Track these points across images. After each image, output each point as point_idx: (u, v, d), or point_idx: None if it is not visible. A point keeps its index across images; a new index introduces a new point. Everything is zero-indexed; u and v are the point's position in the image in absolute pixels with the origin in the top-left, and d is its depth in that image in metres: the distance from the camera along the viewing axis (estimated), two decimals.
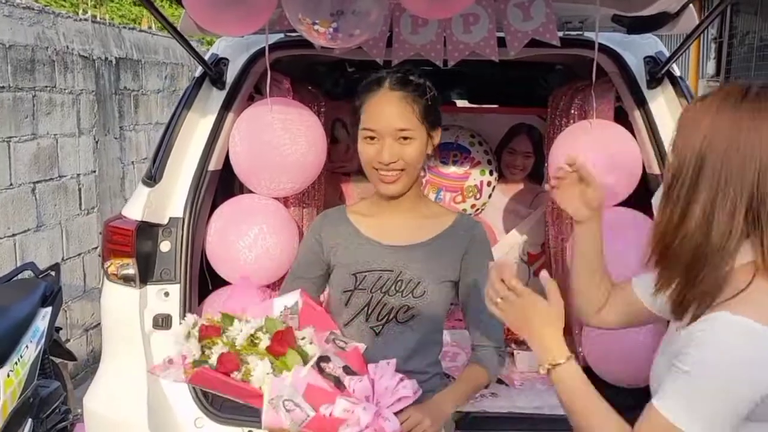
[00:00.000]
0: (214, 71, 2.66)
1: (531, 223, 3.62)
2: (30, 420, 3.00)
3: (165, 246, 2.52)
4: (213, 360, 1.63)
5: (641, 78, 2.61)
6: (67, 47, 4.71)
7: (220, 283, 2.70)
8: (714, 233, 1.23)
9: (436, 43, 2.43)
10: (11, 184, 4.14)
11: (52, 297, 3.34)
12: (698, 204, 1.24)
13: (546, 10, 2.36)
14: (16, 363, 2.90)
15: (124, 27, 5.77)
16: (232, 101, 2.67)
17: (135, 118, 5.76)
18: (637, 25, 2.56)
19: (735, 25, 7.92)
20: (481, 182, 3.57)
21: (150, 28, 6.36)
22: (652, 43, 2.71)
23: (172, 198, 2.57)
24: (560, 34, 2.42)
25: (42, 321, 3.21)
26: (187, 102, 2.65)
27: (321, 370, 1.62)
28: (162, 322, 2.48)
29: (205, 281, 2.68)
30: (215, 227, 2.63)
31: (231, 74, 2.69)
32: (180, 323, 2.41)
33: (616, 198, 2.65)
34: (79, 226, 4.89)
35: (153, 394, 2.47)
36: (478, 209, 3.63)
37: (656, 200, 1.40)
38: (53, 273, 3.49)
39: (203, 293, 2.66)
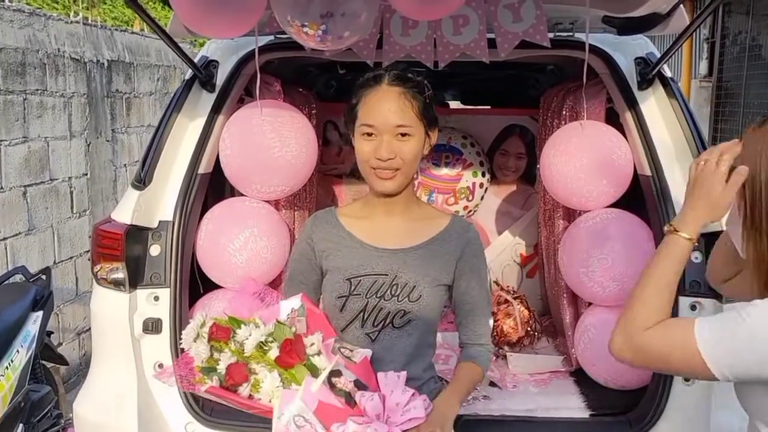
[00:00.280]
0: (203, 74, 2.64)
1: (523, 225, 3.62)
2: (21, 425, 2.98)
3: (155, 250, 2.51)
4: (221, 367, 1.64)
5: (632, 79, 2.61)
6: (59, 50, 4.68)
7: (211, 286, 2.68)
8: None
9: (426, 45, 2.42)
10: (2, 188, 4.12)
11: (43, 301, 3.32)
12: None
13: (536, 11, 2.35)
14: (6, 367, 2.88)
15: (116, 29, 5.75)
16: (222, 104, 2.66)
17: (127, 120, 5.74)
18: (628, 26, 2.56)
19: (727, 25, 7.93)
20: (474, 184, 3.57)
21: (142, 30, 6.34)
22: (642, 44, 2.70)
23: (161, 201, 2.55)
24: (551, 35, 2.41)
25: (33, 325, 3.19)
26: (176, 105, 2.64)
27: (332, 386, 1.61)
28: (152, 326, 2.47)
29: (196, 285, 2.66)
30: (206, 230, 2.62)
31: (221, 77, 2.68)
32: (170, 327, 2.45)
33: (607, 199, 2.65)
34: (71, 229, 4.87)
35: (143, 399, 2.45)
36: (470, 211, 3.62)
37: (727, 224, 1.52)
38: (44, 277, 3.48)
39: (194, 297, 2.64)
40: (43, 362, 3.48)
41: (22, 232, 4.32)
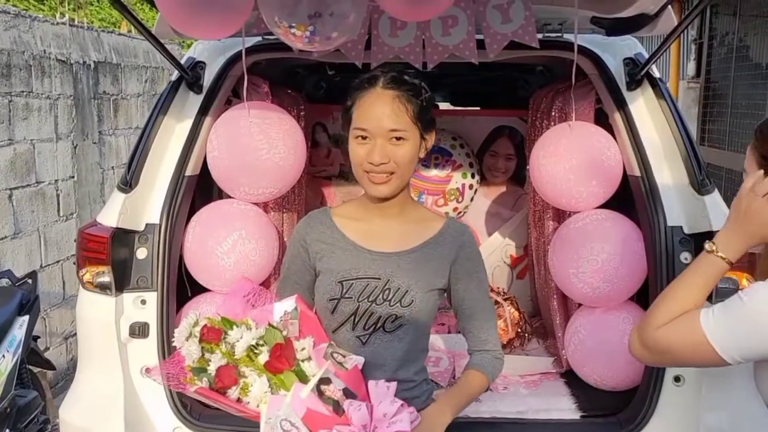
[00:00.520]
0: (190, 75, 2.62)
1: (513, 226, 3.61)
2: (8, 430, 2.95)
3: (141, 253, 2.48)
4: (212, 368, 1.63)
5: (621, 80, 2.60)
6: (44, 51, 4.65)
7: (199, 290, 2.66)
8: None
9: (415, 46, 2.41)
10: None
11: (29, 305, 3.30)
12: None
13: (525, 12, 2.35)
14: None
15: (103, 30, 5.72)
16: (210, 105, 2.64)
17: (114, 122, 5.70)
18: (616, 27, 2.55)
19: (714, 26, 7.96)
20: (463, 185, 3.56)
21: (129, 31, 6.30)
22: (631, 45, 2.70)
23: (148, 204, 2.53)
24: (539, 36, 2.41)
25: (19, 330, 3.16)
26: (163, 106, 2.61)
27: (321, 393, 1.60)
28: (139, 330, 2.44)
29: (183, 288, 2.64)
30: (193, 233, 2.59)
31: (208, 78, 2.66)
32: (157, 331, 2.42)
33: (596, 200, 2.64)
34: (58, 232, 4.83)
35: (130, 403, 2.43)
36: (460, 212, 3.61)
37: None
38: (30, 281, 3.45)
39: (182, 301, 2.62)
40: (30, 367, 3.45)
41: (7, 235, 4.28)
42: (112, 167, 5.63)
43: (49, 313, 4.67)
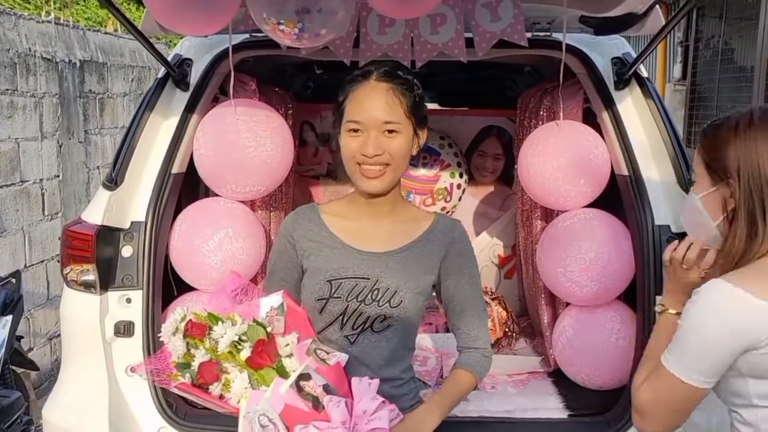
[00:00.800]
0: (177, 72, 2.60)
1: (501, 226, 3.61)
2: None
3: (127, 251, 2.46)
4: (195, 364, 1.61)
5: (609, 79, 2.61)
6: (29, 49, 4.60)
7: (185, 288, 2.64)
8: None
9: (403, 44, 2.40)
10: None
11: (12, 305, 3.27)
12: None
13: (514, 10, 2.34)
14: None
15: (89, 29, 5.67)
16: (196, 103, 2.62)
17: (100, 121, 5.65)
18: (605, 26, 2.56)
19: (700, 29, 8.02)
20: (451, 185, 3.56)
21: (116, 30, 6.26)
22: (619, 44, 2.71)
23: (133, 201, 2.51)
24: (528, 35, 2.41)
25: (2, 329, 3.14)
26: (149, 103, 2.59)
27: (300, 389, 1.58)
28: (124, 329, 2.42)
29: (169, 287, 2.61)
30: (179, 231, 2.57)
31: (195, 75, 2.63)
32: (142, 330, 2.40)
33: (584, 199, 2.65)
34: (43, 232, 4.78)
35: (115, 403, 2.40)
36: (448, 212, 3.61)
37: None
38: (14, 280, 3.42)
39: (168, 299, 2.59)
40: (13, 367, 3.42)
41: None
42: (98, 167, 5.58)
43: (33, 313, 4.62)
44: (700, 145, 1.58)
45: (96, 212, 2.47)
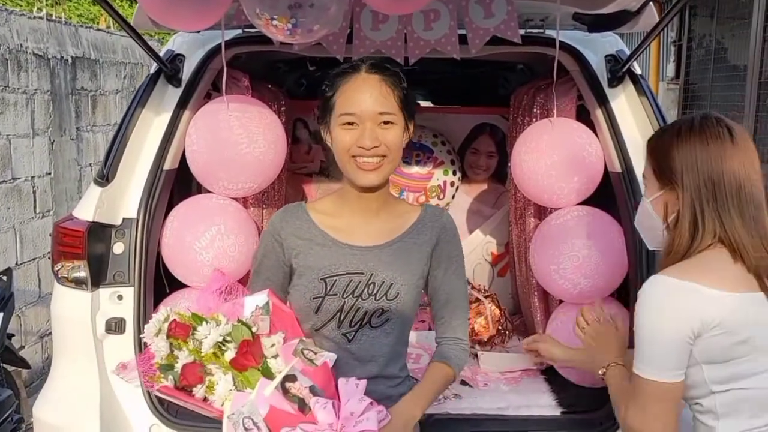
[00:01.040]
0: (169, 68, 2.58)
1: (495, 223, 3.61)
2: None
3: (118, 248, 2.44)
4: (178, 366, 1.59)
5: (602, 76, 2.61)
6: (21, 45, 4.57)
7: (177, 285, 2.62)
8: None
9: (396, 40, 2.40)
10: None
11: (3, 302, 3.26)
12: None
13: (507, 7, 2.34)
14: None
15: (81, 26, 5.64)
16: (189, 99, 2.60)
17: (92, 118, 5.63)
18: (598, 24, 2.56)
19: (693, 28, 8.04)
20: (445, 182, 3.55)
21: (108, 27, 6.23)
22: (612, 42, 2.71)
23: (125, 198, 2.49)
24: (522, 32, 2.40)
25: None
26: (141, 99, 2.57)
27: (286, 391, 1.56)
28: (115, 326, 2.40)
29: (161, 284, 2.60)
30: (171, 228, 2.56)
31: (187, 71, 2.62)
32: (134, 327, 2.38)
33: (578, 196, 2.64)
34: (34, 229, 4.76)
35: (106, 401, 2.39)
36: None
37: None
38: (5, 278, 3.41)
39: (159, 296, 2.58)
40: (4, 365, 3.40)
41: None
42: (90, 164, 5.56)
43: (25, 311, 4.60)
44: (648, 151, 1.67)
45: (87, 209, 2.45)
